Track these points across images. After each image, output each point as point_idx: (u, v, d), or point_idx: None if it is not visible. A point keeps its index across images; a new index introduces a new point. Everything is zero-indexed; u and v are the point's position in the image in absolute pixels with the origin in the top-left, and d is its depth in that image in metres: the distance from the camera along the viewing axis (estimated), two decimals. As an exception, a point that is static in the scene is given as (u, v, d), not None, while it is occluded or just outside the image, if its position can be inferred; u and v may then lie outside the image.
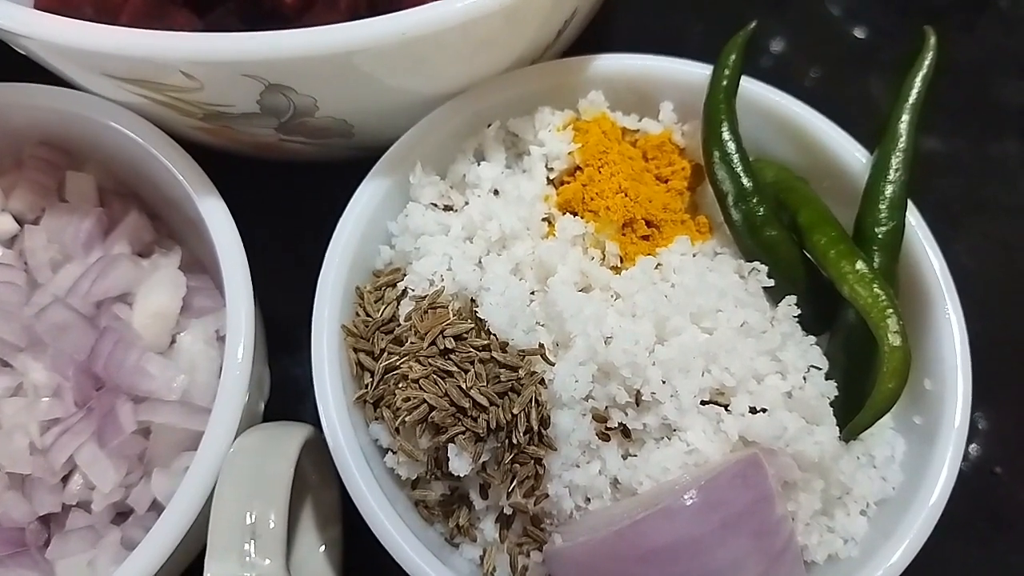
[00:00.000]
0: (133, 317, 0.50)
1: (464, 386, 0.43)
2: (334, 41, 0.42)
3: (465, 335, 0.45)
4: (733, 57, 0.51)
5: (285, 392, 0.56)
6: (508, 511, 0.44)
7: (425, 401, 0.43)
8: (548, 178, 0.51)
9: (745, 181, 0.48)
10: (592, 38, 0.62)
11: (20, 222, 0.53)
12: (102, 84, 0.50)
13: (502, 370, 0.44)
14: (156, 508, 0.48)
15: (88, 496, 0.47)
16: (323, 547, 0.51)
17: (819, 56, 0.73)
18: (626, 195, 0.48)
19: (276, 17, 0.54)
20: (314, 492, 0.51)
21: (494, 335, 0.44)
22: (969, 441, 0.46)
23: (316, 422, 0.46)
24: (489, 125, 0.53)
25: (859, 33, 0.76)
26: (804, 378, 0.45)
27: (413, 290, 0.47)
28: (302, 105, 0.48)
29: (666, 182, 0.52)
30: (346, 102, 0.49)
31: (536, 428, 0.43)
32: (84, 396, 0.48)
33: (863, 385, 0.47)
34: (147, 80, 0.46)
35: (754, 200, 0.48)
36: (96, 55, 0.43)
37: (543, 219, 0.49)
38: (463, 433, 0.43)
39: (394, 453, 0.45)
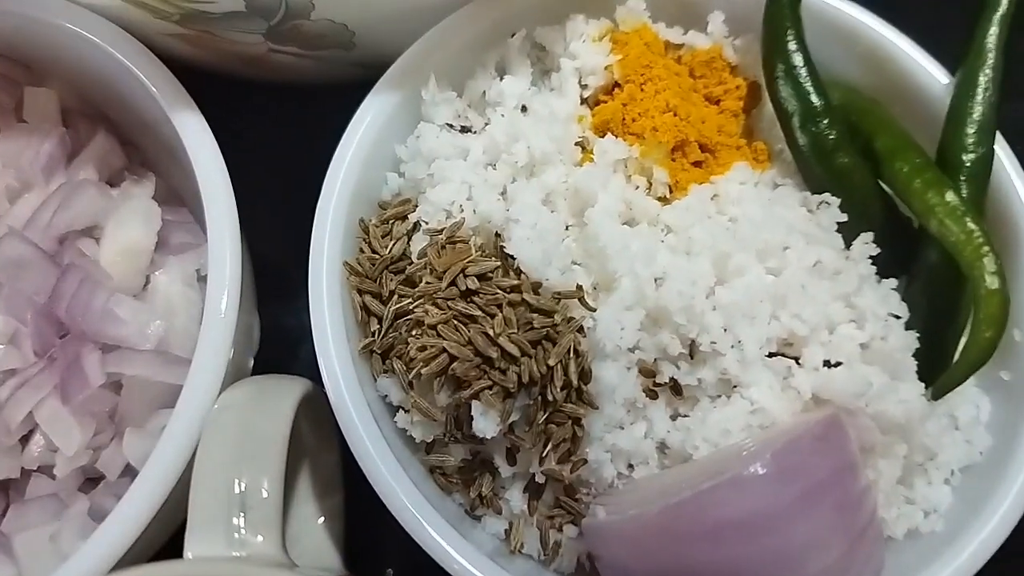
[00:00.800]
0: (101, 253, 0.43)
1: (491, 332, 0.36)
2: None
3: (490, 274, 0.38)
4: (799, -44, 0.44)
5: (277, 344, 0.50)
6: (540, 479, 0.38)
7: (445, 350, 0.36)
8: (582, 97, 0.44)
9: (815, 99, 0.41)
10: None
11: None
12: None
13: (535, 315, 0.37)
14: (129, 473, 0.42)
15: (51, 460, 0.41)
16: (322, 518, 0.45)
17: None
18: (675, 115, 0.42)
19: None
20: (311, 456, 0.45)
21: (524, 274, 0.38)
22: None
23: (313, 376, 0.39)
24: (513, 35, 0.45)
25: None
26: (884, 328, 0.39)
27: (427, 223, 0.41)
28: (295, 4, 0.41)
29: (717, 103, 0.45)
30: (346, 1, 0.42)
31: (575, 383, 0.36)
32: (45, 344, 0.41)
33: (946, 335, 0.41)
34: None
35: (825, 121, 0.41)
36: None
37: (576, 143, 0.43)
38: (490, 388, 0.36)
39: (406, 411, 0.39)
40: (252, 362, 0.47)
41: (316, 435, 0.44)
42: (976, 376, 0.42)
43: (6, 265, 0.41)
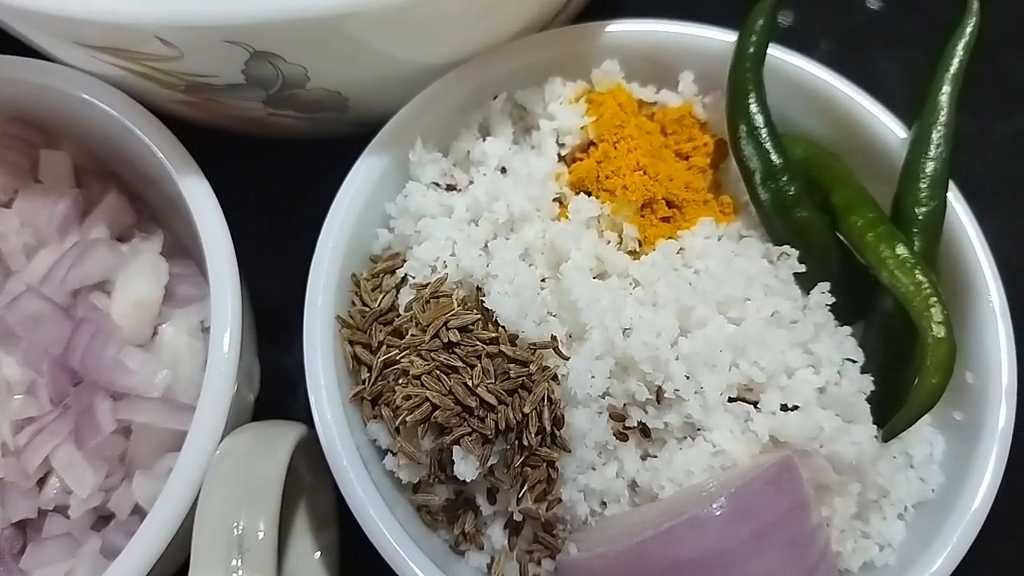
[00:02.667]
0: (112, 307, 0.46)
1: (470, 383, 0.39)
2: (326, 4, 0.38)
3: (471, 327, 0.41)
4: (761, 22, 0.47)
5: (276, 385, 0.53)
6: (518, 517, 0.41)
7: (428, 399, 0.39)
8: (559, 155, 0.47)
9: (774, 157, 0.44)
10: (605, 2, 0.57)
11: (-9, 204, 0.50)
12: (76, 54, 0.46)
13: (511, 365, 0.40)
14: (139, 513, 0.45)
15: (65, 500, 0.44)
16: (318, 553, 0.48)
17: (830, 28, 0.69)
18: (645, 173, 0.45)
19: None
20: (308, 493, 0.48)
21: (502, 327, 0.41)
22: (1017, 433, 0.42)
23: (309, 417, 0.42)
24: (495, 97, 0.48)
25: (872, 3, 0.71)
26: (839, 372, 0.42)
27: (414, 277, 0.44)
28: (291, 75, 0.44)
29: (687, 159, 0.48)
30: (339, 72, 0.45)
31: (548, 428, 0.39)
32: (60, 393, 0.45)
33: (901, 379, 0.43)
34: (122, 48, 0.42)
35: (784, 178, 0.44)
36: (67, 21, 0.39)
37: (554, 199, 0.46)
38: (469, 434, 0.39)
39: (394, 454, 0.42)
40: (253, 402, 0.50)
41: (313, 474, 0.47)
42: (931, 416, 0.45)
43: (24, 320, 0.44)
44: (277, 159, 0.57)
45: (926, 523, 0.42)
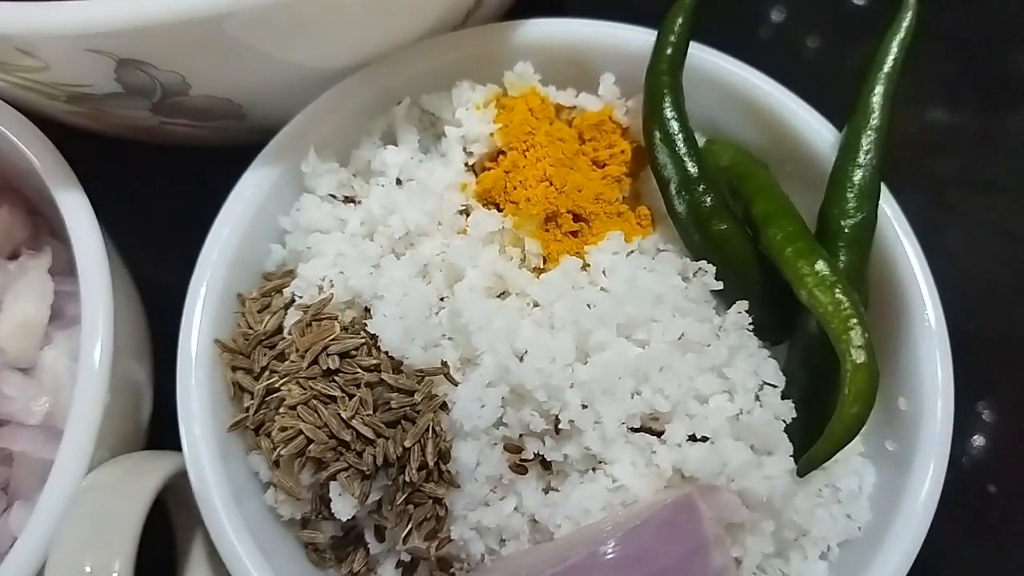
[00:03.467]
0: (-1, 328, 0.44)
1: (345, 415, 0.36)
2: (191, 5, 0.35)
3: (354, 352, 0.38)
4: (680, 21, 0.43)
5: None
6: (405, 557, 0.38)
7: (302, 432, 0.37)
8: (467, 164, 0.44)
9: (690, 166, 0.41)
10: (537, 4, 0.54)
11: None
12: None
13: (394, 394, 0.37)
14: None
15: (-60, 533, 0.42)
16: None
17: (817, 25, 0.66)
18: (551, 184, 0.42)
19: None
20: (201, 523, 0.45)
21: (386, 352, 0.38)
22: (959, 454, 0.39)
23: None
24: (399, 103, 0.46)
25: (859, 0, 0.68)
26: (757, 398, 0.38)
27: (300, 297, 0.41)
28: (169, 83, 0.41)
29: (604, 167, 0.45)
30: (222, 79, 0.42)
31: (432, 463, 0.36)
32: (-62, 421, 0.42)
33: (827, 405, 0.40)
34: (-8, 59, 0.40)
35: (700, 188, 0.41)
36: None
37: (460, 211, 0.43)
38: (346, 470, 0.36)
39: (275, 489, 0.39)
40: (146, 427, 0.47)
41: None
42: (862, 445, 0.42)
43: (-99, 343, 0.42)
44: (181, 168, 0.54)
45: (851, 563, 0.38)
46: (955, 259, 0.46)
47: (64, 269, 0.47)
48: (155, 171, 0.53)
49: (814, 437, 0.39)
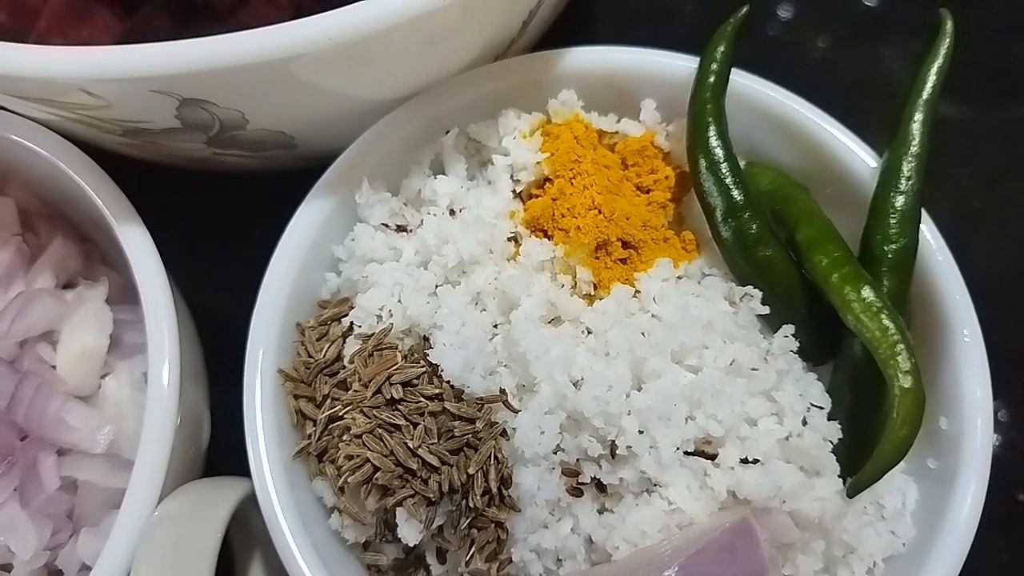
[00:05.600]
0: (57, 358, 0.45)
1: (411, 444, 0.37)
2: (250, 50, 0.36)
3: (415, 381, 0.39)
4: (722, 49, 0.44)
5: (236, 433, 0.51)
6: (468, 578, 0.39)
7: (369, 460, 0.38)
8: (515, 191, 0.45)
9: (735, 194, 0.42)
10: (569, 26, 0.55)
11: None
12: (12, 102, 0.44)
13: (456, 422, 0.38)
14: (88, 571, 0.43)
15: (9, 559, 0.43)
16: (274, 607, 0.46)
17: (827, 25, 0.67)
18: (600, 212, 0.43)
19: (208, 14, 0.48)
20: (263, 546, 0.46)
21: (447, 381, 0.39)
22: (994, 481, 0.40)
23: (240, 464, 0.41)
24: (447, 132, 0.47)
25: (870, 0, 0.69)
26: (804, 421, 0.40)
27: (359, 327, 0.42)
28: (228, 119, 0.42)
29: (648, 192, 0.46)
30: (279, 113, 0.43)
31: (495, 489, 0.38)
32: (5, 448, 0.43)
33: (871, 424, 0.41)
34: (52, 99, 0.41)
35: (746, 215, 0.42)
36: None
37: (509, 238, 0.44)
38: (412, 497, 0.37)
39: (339, 513, 0.40)
40: (205, 451, 0.49)
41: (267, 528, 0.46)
42: (904, 463, 0.43)
43: (-35, 373, 0.43)
44: (232, 195, 0.55)
45: (897, 578, 0.40)
46: (981, 269, 0.47)
47: (118, 298, 0.48)
48: (201, 195, 0.54)
49: (858, 456, 0.40)
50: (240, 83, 0.39)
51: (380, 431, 0.38)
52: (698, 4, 0.65)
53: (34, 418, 0.43)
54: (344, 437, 0.39)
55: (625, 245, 0.43)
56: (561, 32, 0.54)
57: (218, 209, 0.54)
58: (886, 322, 0.39)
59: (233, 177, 0.54)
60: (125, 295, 0.49)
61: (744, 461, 0.38)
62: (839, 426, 0.40)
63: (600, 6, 0.65)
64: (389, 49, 0.41)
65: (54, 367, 0.45)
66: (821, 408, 0.40)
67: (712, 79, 0.44)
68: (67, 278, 0.48)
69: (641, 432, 0.38)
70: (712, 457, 0.39)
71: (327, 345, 0.42)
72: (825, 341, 0.43)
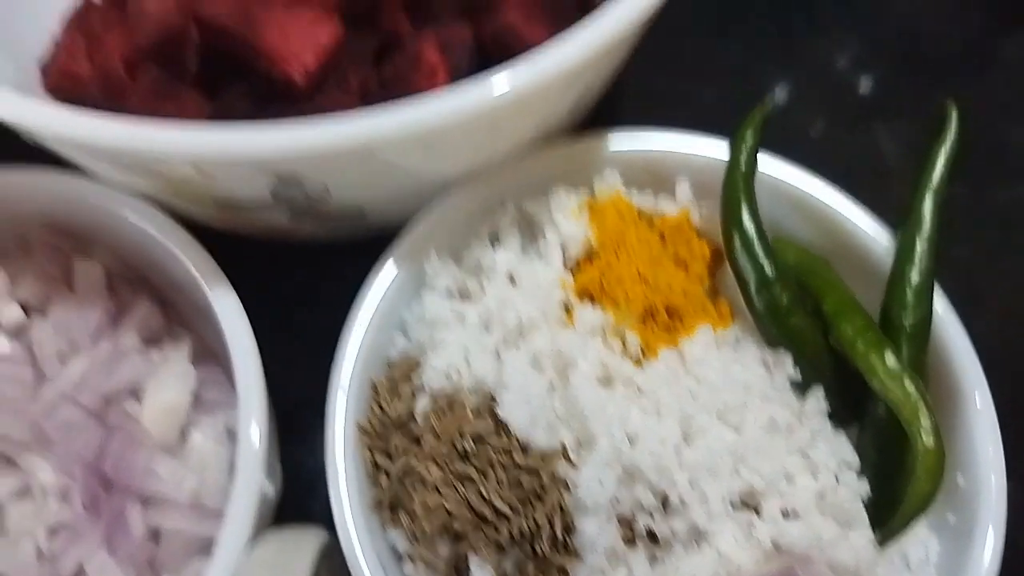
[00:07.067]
0: (142, 413, 0.49)
1: (485, 493, 0.41)
2: (354, 134, 0.40)
3: (485, 435, 0.43)
4: (750, 137, 0.50)
5: (295, 482, 0.55)
6: (531, 620, 0.43)
7: (444, 508, 0.42)
8: (564, 263, 0.50)
9: (767, 268, 0.47)
10: (600, 107, 0.61)
11: (26, 311, 0.52)
12: (111, 172, 0.49)
13: (523, 474, 0.42)
14: (167, 615, 0.46)
15: (98, 604, 0.46)
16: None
17: (823, 109, 0.72)
18: (646, 282, 0.47)
19: (286, 98, 0.53)
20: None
21: (514, 435, 0.43)
22: (1011, 534, 0.44)
23: (327, 518, 0.44)
24: (503, 207, 0.51)
25: (864, 86, 0.75)
26: (836, 477, 0.44)
27: (430, 385, 0.46)
28: (314, 194, 0.47)
29: (685, 265, 0.50)
30: (359, 189, 0.48)
31: (560, 536, 0.41)
32: (92, 498, 0.47)
33: (895, 481, 0.45)
34: (156, 172, 0.45)
35: (777, 288, 0.46)
36: (104, 148, 0.42)
37: (561, 306, 0.48)
38: (485, 543, 0.41)
39: (412, 561, 0.44)
40: (275, 501, 0.52)
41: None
42: (926, 517, 0.47)
43: (61, 427, 0.47)
44: (295, 260, 0.60)
45: (923, 624, 0.44)
46: (983, 342, 0.51)
47: (195, 357, 0.52)
48: (266, 260, 0.58)
49: (883, 510, 0.44)
50: (337, 162, 0.43)
51: (454, 481, 0.42)
52: (716, 87, 0.71)
53: (122, 469, 0.47)
54: (418, 488, 0.43)
55: (670, 313, 0.47)
56: (593, 113, 0.59)
57: (281, 272, 0.59)
58: (909, 386, 0.43)
59: (297, 244, 0.58)
60: (201, 355, 0.53)
61: (784, 513, 0.42)
62: (868, 483, 0.44)
63: (626, 91, 0.70)
64: (465, 134, 0.46)
65: (138, 421, 0.49)
66: (850, 465, 0.45)
67: (742, 163, 0.49)
68: (150, 336, 0.52)
69: (691, 485, 0.42)
70: (755, 508, 0.42)
71: (399, 402, 0.46)
72: (850, 404, 0.47)
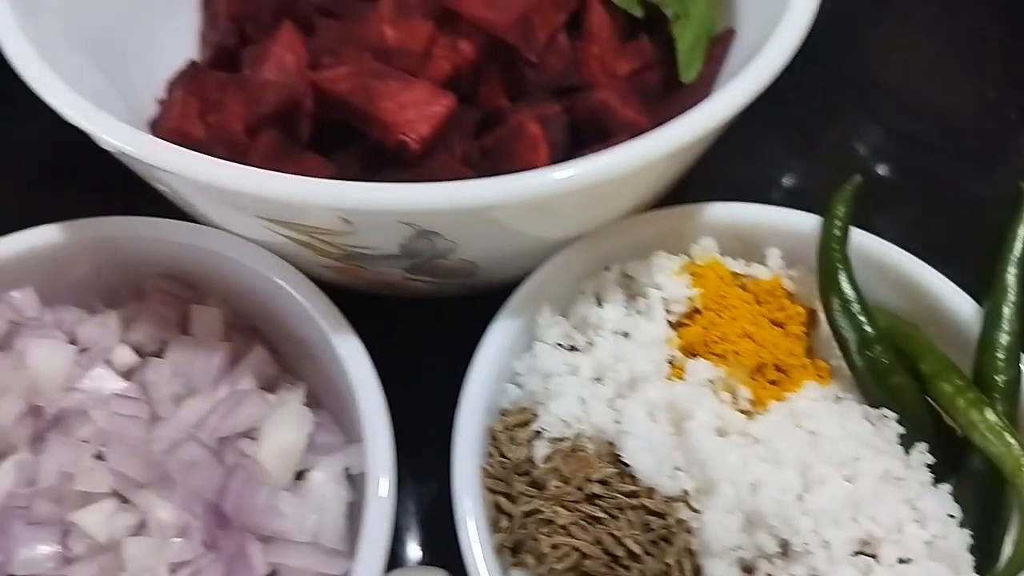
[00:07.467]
0: (259, 453, 0.50)
1: (618, 533, 0.43)
2: (508, 191, 0.44)
3: (609, 480, 0.45)
4: (843, 209, 0.54)
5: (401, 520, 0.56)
6: (658, 663, 0.43)
7: (577, 548, 0.43)
8: (667, 320, 0.53)
9: (868, 329, 0.50)
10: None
11: (139, 353, 0.54)
12: (243, 222, 0.51)
13: (651, 517, 0.44)
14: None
15: (220, 644, 0.46)
16: None
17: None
18: (752, 340, 0.50)
19: (396, 163, 0.57)
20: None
21: (639, 480, 0.45)
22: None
23: (441, 557, 0.45)
24: (608, 268, 0.54)
25: (881, 171, 0.79)
26: (942, 527, 0.45)
27: (548, 431, 0.48)
28: (441, 248, 0.49)
29: (781, 326, 0.53)
30: (481, 246, 0.51)
31: (689, 579, 0.42)
32: (211, 536, 0.47)
33: (994, 530, 0.47)
34: (299, 223, 0.48)
35: (879, 347, 0.49)
36: (263, 200, 0.45)
37: (667, 360, 0.51)
38: (617, 583, 0.42)
39: (537, 602, 0.44)
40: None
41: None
42: (1023, 568, 0.49)
43: (182, 466, 0.48)
44: (404, 315, 0.62)
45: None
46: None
47: (307, 402, 0.53)
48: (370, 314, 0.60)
49: (983, 559, 0.46)
50: (471, 219, 0.46)
51: (583, 523, 0.43)
52: (747, 167, 0.73)
53: (242, 507, 0.47)
54: (544, 529, 0.44)
55: (777, 369, 0.50)
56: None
57: (384, 327, 0.61)
58: (1009, 440, 0.46)
59: (395, 298, 0.61)
60: (310, 401, 0.54)
61: (900, 560, 0.44)
62: (970, 533, 0.46)
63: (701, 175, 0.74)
64: (569, 202, 0.49)
65: (257, 460, 0.50)
66: (953, 517, 0.46)
67: (838, 232, 0.53)
68: (264, 382, 0.54)
69: (814, 531, 0.43)
70: (872, 556, 0.44)
71: (518, 448, 0.48)
72: (945, 460, 0.50)
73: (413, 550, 0.53)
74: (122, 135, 0.46)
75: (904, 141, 0.80)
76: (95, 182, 0.59)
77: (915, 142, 0.80)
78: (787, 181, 0.76)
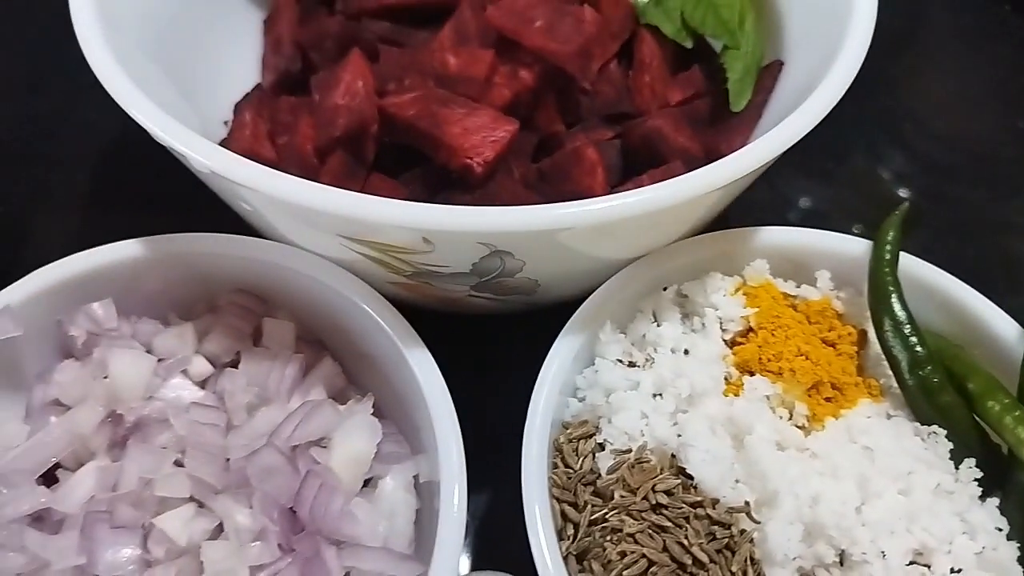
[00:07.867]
0: (331, 461, 0.52)
1: (685, 542, 0.45)
2: (585, 214, 0.46)
3: (674, 490, 0.47)
4: (893, 233, 0.56)
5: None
6: (722, 669, 0.45)
7: (645, 556, 0.45)
8: (723, 339, 0.55)
9: (919, 349, 0.52)
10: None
11: (213, 364, 0.56)
12: (320, 240, 0.53)
13: (715, 527, 0.46)
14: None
15: (299, 645, 0.48)
16: None
17: (861, 214, 0.77)
18: (807, 358, 0.52)
19: (459, 184, 0.59)
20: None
21: (703, 491, 0.47)
22: None
23: (506, 563, 0.46)
24: (665, 288, 0.57)
25: (903, 194, 0.81)
26: (992, 539, 0.47)
27: (612, 443, 0.50)
28: (511, 267, 0.52)
29: (832, 346, 0.55)
30: (547, 266, 0.53)
31: (753, 586, 0.44)
32: (287, 540, 0.49)
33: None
34: (377, 241, 0.50)
35: (929, 367, 0.51)
36: (353, 221, 0.47)
37: (723, 377, 0.53)
38: (684, 590, 0.44)
39: (604, 607, 0.46)
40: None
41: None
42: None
43: (261, 472, 0.50)
44: (466, 331, 0.64)
45: None
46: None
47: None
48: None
49: (1029, 574, 0.48)
50: (545, 241, 0.49)
51: (650, 531, 0.45)
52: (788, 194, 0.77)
53: (317, 513, 0.49)
54: (610, 538, 0.46)
55: (832, 386, 0.52)
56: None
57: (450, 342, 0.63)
58: (1059, 457, 0.47)
59: (456, 313, 0.63)
60: (376, 412, 0.56)
61: (952, 571, 0.46)
62: (1018, 545, 0.48)
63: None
64: (634, 227, 0.52)
65: (329, 467, 0.52)
66: (1001, 530, 0.48)
67: (888, 255, 0.55)
68: (333, 394, 0.56)
69: (871, 542, 0.45)
70: (927, 566, 0.46)
71: (581, 459, 0.50)
72: (991, 476, 0.51)
73: (476, 556, 0.54)
74: (221, 161, 0.48)
75: (934, 168, 0.83)
76: (165, 201, 0.61)
77: (944, 169, 0.83)
78: (813, 204, 0.79)
